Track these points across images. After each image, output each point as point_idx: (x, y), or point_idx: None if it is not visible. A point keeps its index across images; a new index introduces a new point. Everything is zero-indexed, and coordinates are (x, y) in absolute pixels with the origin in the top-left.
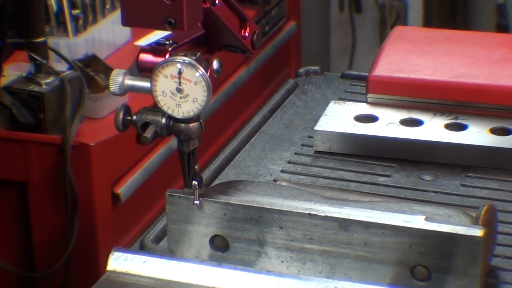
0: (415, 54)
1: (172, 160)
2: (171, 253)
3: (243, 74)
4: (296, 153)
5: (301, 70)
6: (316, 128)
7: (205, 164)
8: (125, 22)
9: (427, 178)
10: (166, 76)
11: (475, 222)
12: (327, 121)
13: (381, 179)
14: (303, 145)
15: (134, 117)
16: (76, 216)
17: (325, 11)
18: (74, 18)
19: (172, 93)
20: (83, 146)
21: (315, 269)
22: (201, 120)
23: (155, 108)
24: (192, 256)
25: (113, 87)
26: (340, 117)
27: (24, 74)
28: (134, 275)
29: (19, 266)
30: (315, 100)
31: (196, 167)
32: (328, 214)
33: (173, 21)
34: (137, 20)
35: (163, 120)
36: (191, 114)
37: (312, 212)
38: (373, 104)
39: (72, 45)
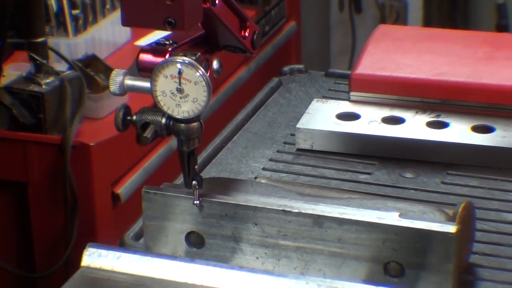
0: (398, 52)
1: (172, 160)
2: (148, 250)
3: (243, 74)
4: (278, 151)
5: (286, 68)
6: (298, 126)
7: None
8: (125, 22)
9: (408, 175)
10: (166, 76)
11: (449, 219)
12: (309, 119)
13: (362, 177)
14: (285, 143)
15: (134, 117)
16: (76, 216)
17: (325, 11)
18: (74, 18)
19: (172, 93)
20: (83, 146)
21: (289, 266)
22: (201, 120)
23: (155, 108)
24: (168, 252)
25: (113, 87)
26: (322, 115)
27: (24, 74)
28: (108, 271)
29: (19, 266)
30: (298, 98)
31: (196, 167)
32: (302, 211)
33: (173, 21)
34: (137, 20)
35: (163, 120)
36: (191, 114)
37: (286, 209)
38: (356, 102)
39: (72, 45)
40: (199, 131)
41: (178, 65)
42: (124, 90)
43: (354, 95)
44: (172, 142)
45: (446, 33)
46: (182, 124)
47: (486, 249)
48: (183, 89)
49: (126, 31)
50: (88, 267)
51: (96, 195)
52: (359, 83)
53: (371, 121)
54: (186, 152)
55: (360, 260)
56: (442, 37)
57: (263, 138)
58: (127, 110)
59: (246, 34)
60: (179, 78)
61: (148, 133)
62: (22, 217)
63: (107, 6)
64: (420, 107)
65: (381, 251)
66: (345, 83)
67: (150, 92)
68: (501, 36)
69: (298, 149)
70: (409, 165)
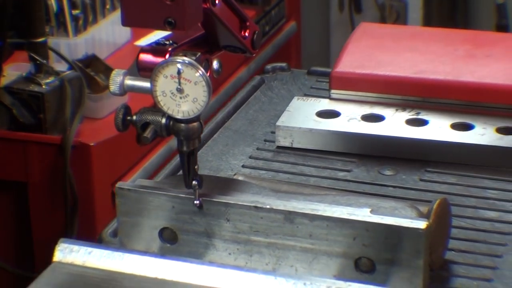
0: (379, 50)
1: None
2: (122, 246)
3: (243, 74)
4: (258, 149)
5: (268, 66)
6: (278, 123)
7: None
8: (125, 22)
9: (387, 173)
10: (166, 76)
11: (421, 215)
12: (289, 116)
13: (341, 174)
14: (265, 140)
15: (134, 117)
16: (76, 216)
17: (325, 11)
18: (74, 18)
19: (172, 93)
20: (83, 146)
21: (261, 261)
22: (201, 120)
23: (155, 108)
24: (142, 248)
25: (113, 87)
26: (302, 113)
27: (24, 74)
28: (79, 266)
29: (18, 266)
30: (280, 96)
31: (196, 167)
32: (274, 207)
33: (173, 21)
34: (137, 20)
35: (163, 120)
36: (191, 114)
37: (258, 205)
38: (336, 100)
39: (72, 45)
40: (199, 131)
41: (178, 65)
42: (124, 90)
43: (334, 93)
44: (172, 142)
45: (427, 31)
46: (182, 124)
47: (462, 246)
48: (183, 89)
49: (126, 31)
50: (59, 263)
51: (96, 195)
52: (339, 81)
53: (350, 119)
54: (186, 152)
55: (331, 256)
56: (423, 35)
57: (244, 136)
58: (127, 110)
59: (246, 34)
60: (179, 78)
61: (148, 133)
62: (22, 217)
63: (107, 6)
64: (401, 104)
65: (352, 247)
66: (327, 81)
67: (150, 92)
68: (481, 34)
69: (278, 147)
70: (388, 163)
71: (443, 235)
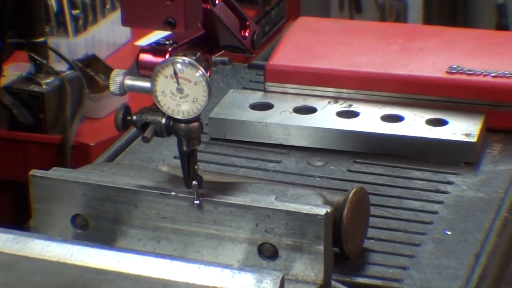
0: (314, 44)
1: None
2: (36, 233)
3: None
4: None
5: None
6: (211, 115)
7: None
8: (125, 22)
9: (316, 164)
10: (166, 76)
11: (326, 202)
12: (222, 108)
13: (270, 165)
14: None
15: (134, 117)
16: None
17: (325, 11)
18: (74, 18)
19: (172, 93)
20: (83, 146)
21: (169, 247)
22: (201, 120)
23: (155, 108)
24: (56, 235)
25: (113, 87)
26: (236, 105)
27: (24, 74)
28: None
29: None
30: (219, 89)
31: (196, 167)
32: (179, 194)
33: (173, 21)
34: (137, 20)
35: (163, 120)
36: (191, 114)
37: (164, 192)
38: (271, 92)
39: (72, 45)
40: (199, 131)
41: (178, 65)
42: (124, 90)
43: (269, 85)
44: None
45: (363, 25)
46: (182, 124)
47: (382, 235)
48: (183, 89)
49: (126, 31)
50: None
51: None
52: (273, 73)
53: (283, 111)
54: (186, 152)
55: (235, 242)
56: (359, 29)
57: None
58: (127, 110)
59: (246, 34)
60: (176, 78)
61: (148, 133)
62: (22, 217)
63: (107, 6)
64: (334, 97)
65: (255, 233)
66: None
67: (150, 92)
68: (416, 27)
69: (212, 138)
70: (319, 154)
71: (360, 223)
